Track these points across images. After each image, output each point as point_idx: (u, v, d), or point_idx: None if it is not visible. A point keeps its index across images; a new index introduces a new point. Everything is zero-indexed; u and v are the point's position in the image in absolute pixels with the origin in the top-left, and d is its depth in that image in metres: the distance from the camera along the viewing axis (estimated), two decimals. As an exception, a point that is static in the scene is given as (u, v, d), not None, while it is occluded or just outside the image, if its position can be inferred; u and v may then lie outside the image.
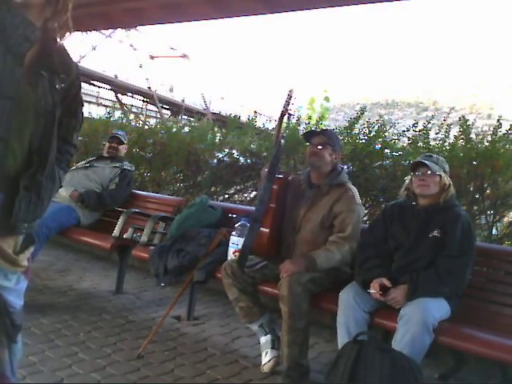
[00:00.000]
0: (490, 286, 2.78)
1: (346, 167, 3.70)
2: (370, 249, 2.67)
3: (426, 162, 2.62)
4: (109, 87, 21.72)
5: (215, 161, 5.49)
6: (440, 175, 2.61)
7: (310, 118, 5.18)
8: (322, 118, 5.34)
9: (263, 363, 2.76)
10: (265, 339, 2.80)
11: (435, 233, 2.53)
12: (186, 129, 6.33)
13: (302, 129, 4.99)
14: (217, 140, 5.68)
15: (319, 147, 2.90)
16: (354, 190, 2.91)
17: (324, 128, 3.98)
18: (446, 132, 4.17)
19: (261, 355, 2.81)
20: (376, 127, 4.51)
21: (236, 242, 3.12)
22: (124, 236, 3.78)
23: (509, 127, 3.79)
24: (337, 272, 2.78)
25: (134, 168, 4.63)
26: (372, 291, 2.49)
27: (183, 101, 22.49)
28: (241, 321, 2.90)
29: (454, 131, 4.14)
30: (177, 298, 3.11)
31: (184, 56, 23.17)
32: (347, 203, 2.82)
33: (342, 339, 2.40)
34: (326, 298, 2.68)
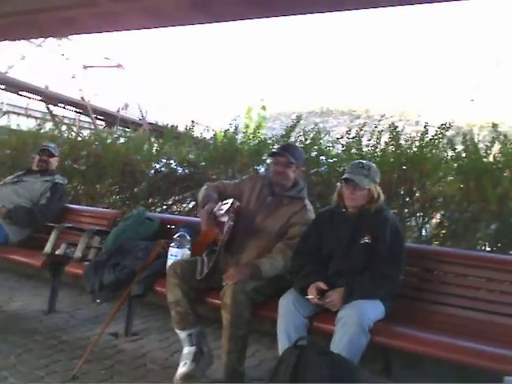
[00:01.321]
0: (421, 285, 2.90)
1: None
2: (305, 256, 2.71)
3: (355, 177, 2.66)
4: (39, 98, 20.90)
5: (152, 171, 5.40)
6: (369, 188, 2.67)
7: (247, 126, 5.22)
8: (259, 126, 5.38)
9: (178, 373, 2.68)
10: (188, 350, 2.74)
11: (366, 239, 2.61)
12: (122, 140, 6.19)
13: (239, 138, 5.02)
14: (154, 150, 5.59)
15: (284, 167, 2.95)
16: (311, 206, 3.03)
17: (288, 143, 4.01)
18: (378, 138, 4.31)
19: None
20: (311, 135, 4.61)
21: (175, 254, 3.08)
22: (56, 252, 3.63)
23: (434, 133, 3.98)
24: (279, 279, 2.80)
25: (66, 181, 4.47)
26: (310, 296, 2.53)
27: (118, 111, 22.03)
28: (172, 325, 2.82)
29: (385, 137, 4.29)
30: (113, 314, 3.02)
31: (119, 66, 22.72)
32: (304, 217, 2.91)
33: (282, 345, 2.42)
34: (267, 305, 2.69)
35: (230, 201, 2.90)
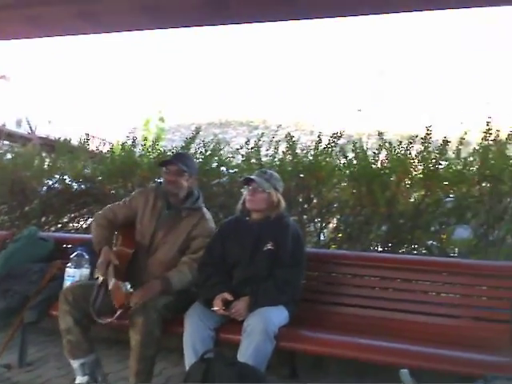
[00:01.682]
0: (321, 288, 3.03)
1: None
2: (210, 268, 2.71)
3: (255, 178, 2.75)
4: None
5: (44, 188, 5.09)
6: (270, 193, 2.75)
7: (145, 139, 5.11)
8: (158, 138, 5.30)
9: None
10: (80, 380, 2.62)
11: (269, 246, 2.67)
12: (9, 155, 5.76)
13: (138, 151, 4.90)
14: (45, 166, 5.27)
15: (176, 176, 2.88)
16: (209, 214, 2.98)
17: (180, 152, 3.95)
18: (275, 148, 4.44)
19: None
20: (211, 146, 4.63)
21: (72, 274, 2.93)
22: None
23: (327, 142, 4.17)
24: (187, 294, 2.77)
25: None
26: (215, 308, 2.52)
27: (4, 125, 20.52)
28: (64, 354, 2.67)
29: (283, 147, 4.43)
30: (5, 344, 2.80)
31: (2, 77, 21.20)
32: (205, 228, 2.88)
33: (189, 360, 2.39)
34: (175, 321, 2.64)
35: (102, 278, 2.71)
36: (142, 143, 4.95)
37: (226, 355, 2.18)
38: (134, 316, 2.53)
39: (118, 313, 2.58)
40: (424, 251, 3.80)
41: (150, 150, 4.78)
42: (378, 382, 2.64)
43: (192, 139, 4.73)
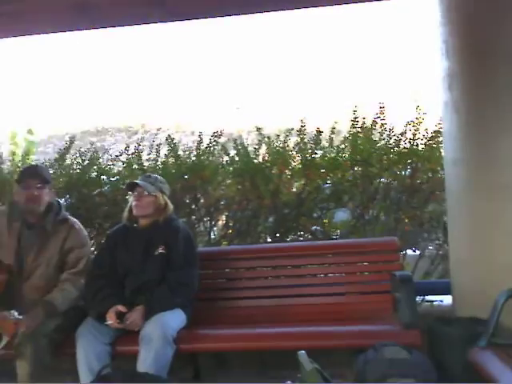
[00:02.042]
0: (216, 286, 3.06)
1: (63, 200, 3.53)
2: (100, 280, 2.61)
3: (140, 182, 2.70)
4: None
5: None
6: (156, 196, 2.71)
7: (14, 154, 4.75)
8: (28, 152, 4.96)
9: None
10: None
11: (160, 250, 2.63)
12: None
13: (6, 167, 4.54)
14: None
15: (38, 191, 2.67)
16: (78, 223, 2.82)
17: (34, 165, 3.69)
18: (157, 152, 4.38)
19: None
20: (89, 155, 4.44)
21: None
22: None
23: (209, 141, 4.21)
24: (75, 311, 2.62)
25: None
26: (109, 322, 2.43)
27: None
28: None
29: (164, 150, 4.38)
30: None
31: None
32: (77, 239, 2.73)
33: (84, 379, 2.28)
34: (65, 342, 2.50)
35: None
36: (10, 159, 4.59)
37: (124, 368, 2.12)
38: (21, 345, 2.34)
39: (5, 342, 2.38)
40: (310, 237, 3.99)
41: (19, 165, 4.45)
42: (280, 369, 2.75)
43: (66, 150, 4.49)
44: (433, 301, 3.42)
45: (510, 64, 2.44)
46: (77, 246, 2.71)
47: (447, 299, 3.03)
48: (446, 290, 2.86)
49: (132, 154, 4.39)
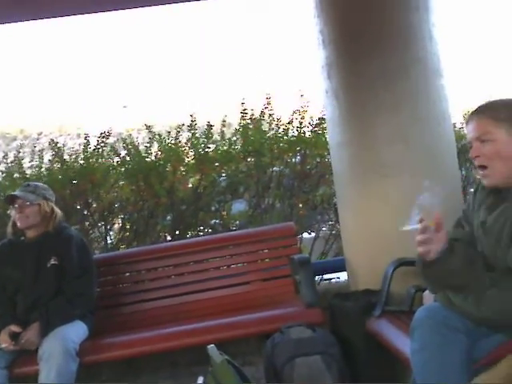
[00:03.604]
0: (118, 291, 2.96)
1: None
2: None
3: (18, 193, 2.53)
4: None
5: None
6: (39, 204, 2.55)
7: None
8: None
9: None
10: None
11: (52, 261, 2.49)
12: None
13: None
14: None
15: None
16: None
17: None
18: (40, 158, 4.14)
19: None
20: (-40, 167, 4.08)
21: None
22: None
23: (96, 142, 4.04)
24: None
25: None
26: (3, 345, 2.27)
27: None
28: None
29: (48, 156, 4.14)
30: None
31: None
32: None
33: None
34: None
35: None
36: None
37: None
38: None
39: None
40: (210, 231, 4.01)
41: None
42: (192, 366, 2.75)
43: None
44: (330, 279, 3.61)
45: (381, 50, 2.61)
46: None
47: (344, 276, 3.21)
48: (341, 267, 3.01)
49: (12, 162, 4.13)
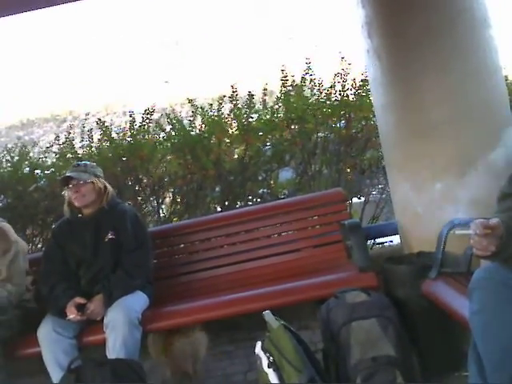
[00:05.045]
0: (174, 262, 3.04)
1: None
2: (53, 276, 2.56)
3: (71, 174, 2.62)
4: None
5: None
6: (92, 182, 2.64)
7: None
8: None
9: None
10: None
11: (110, 236, 2.59)
12: None
13: None
14: None
15: None
16: (6, 226, 2.71)
17: None
18: (90, 137, 4.25)
19: None
20: (17, 150, 4.25)
21: None
22: None
23: (142, 119, 4.10)
24: (22, 310, 2.56)
25: None
26: (71, 316, 2.39)
27: None
28: None
29: (97, 135, 4.25)
30: None
31: None
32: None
33: (56, 377, 2.24)
34: (23, 343, 2.46)
35: None
36: None
37: (94, 357, 2.10)
38: None
39: None
40: (259, 200, 4.04)
41: None
42: (250, 330, 2.82)
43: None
44: (383, 243, 3.59)
45: (423, 5, 2.50)
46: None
47: (396, 239, 3.18)
48: (393, 231, 2.99)
49: (63, 143, 4.26)
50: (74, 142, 4.24)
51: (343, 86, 3.92)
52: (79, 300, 2.42)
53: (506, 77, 3.25)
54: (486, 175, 2.46)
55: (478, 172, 2.49)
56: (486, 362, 1.50)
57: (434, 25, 2.50)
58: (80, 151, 4.19)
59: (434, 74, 2.52)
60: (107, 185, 2.71)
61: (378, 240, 3.54)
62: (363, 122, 3.90)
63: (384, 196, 3.93)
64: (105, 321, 2.34)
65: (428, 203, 2.59)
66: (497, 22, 2.70)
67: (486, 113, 2.52)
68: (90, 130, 4.32)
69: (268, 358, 1.89)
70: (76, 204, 2.63)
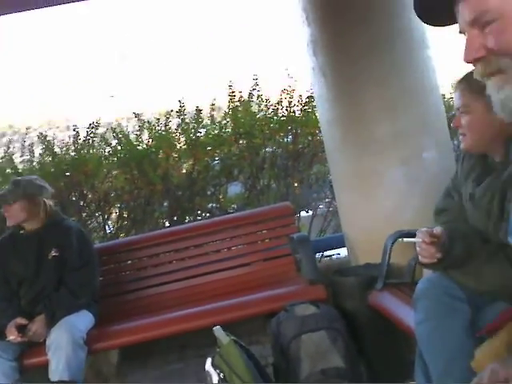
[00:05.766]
0: (121, 279, 2.97)
1: None
2: None
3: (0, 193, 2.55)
4: None
5: None
6: (18, 202, 2.50)
7: None
8: None
9: None
10: None
11: (53, 253, 2.50)
12: None
13: None
14: None
15: None
16: None
17: None
18: (31, 152, 4.12)
19: None
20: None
21: None
22: None
23: (86, 133, 4.01)
24: None
25: None
26: (11, 338, 2.28)
27: None
28: None
29: (39, 149, 4.12)
30: None
31: None
32: None
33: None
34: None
35: None
36: None
37: (36, 381, 2.01)
38: None
39: None
40: (208, 215, 4.02)
41: None
42: (199, 347, 2.77)
43: None
44: (331, 255, 3.65)
45: (365, 24, 2.59)
46: None
47: (344, 251, 3.24)
48: (341, 243, 3.04)
49: (2, 157, 4.12)
50: (13, 157, 4.08)
51: (290, 102, 3.99)
52: (20, 321, 2.32)
53: (443, 95, 3.40)
54: (430, 187, 2.55)
55: (421, 184, 2.59)
56: (431, 370, 1.54)
57: (375, 42, 2.59)
58: (20, 166, 4.05)
59: (375, 87, 2.61)
60: (47, 202, 2.60)
61: (327, 253, 3.60)
62: (309, 138, 3.98)
63: (331, 209, 4.00)
64: (47, 342, 2.25)
65: (374, 215, 2.66)
66: (436, 41, 2.84)
67: (424, 128, 2.64)
68: (31, 145, 4.18)
69: (218, 375, 1.87)
70: (7, 224, 2.54)
